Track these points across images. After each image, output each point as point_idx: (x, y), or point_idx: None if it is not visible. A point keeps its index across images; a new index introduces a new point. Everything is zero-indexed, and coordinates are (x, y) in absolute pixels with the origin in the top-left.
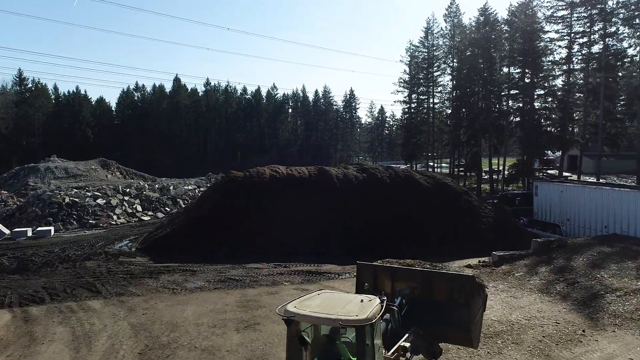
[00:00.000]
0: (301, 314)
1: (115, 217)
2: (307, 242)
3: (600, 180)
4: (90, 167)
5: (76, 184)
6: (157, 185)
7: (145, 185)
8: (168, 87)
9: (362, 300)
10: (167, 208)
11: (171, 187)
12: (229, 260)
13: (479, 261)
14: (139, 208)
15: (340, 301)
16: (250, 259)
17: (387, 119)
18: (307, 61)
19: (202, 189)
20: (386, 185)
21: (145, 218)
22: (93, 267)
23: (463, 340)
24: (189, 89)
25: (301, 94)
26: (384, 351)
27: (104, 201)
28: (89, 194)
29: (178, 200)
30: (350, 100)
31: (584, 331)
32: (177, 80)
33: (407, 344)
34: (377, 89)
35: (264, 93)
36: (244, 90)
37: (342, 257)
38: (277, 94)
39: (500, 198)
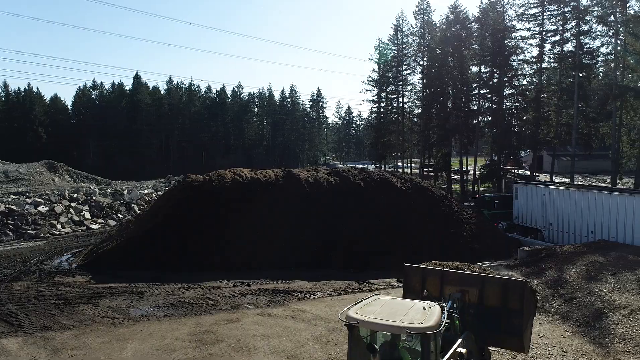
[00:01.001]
0: (366, 320)
1: (59, 226)
2: (273, 255)
3: (575, 182)
4: (34, 170)
5: (16, 189)
6: (109, 190)
7: (96, 189)
8: (128, 84)
9: (424, 308)
10: (119, 215)
11: (125, 192)
12: (184, 279)
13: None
14: (88, 215)
15: (402, 308)
16: (208, 276)
17: (355, 118)
18: (274, 59)
19: (160, 193)
20: (360, 190)
21: (95, 226)
22: (21, 290)
23: (515, 346)
24: (151, 87)
25: (267, 93)
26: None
27: (47, 208)
28: (29, 200)
29: (133, 205)
30: (318, 100)
31: None
32: (137, 77)
33: (464, 350)
34: (345, 88)
35: (229, 92)
36: (209, 88)
37: (313, 273)
38: (242, 92)
39: (477, 201)
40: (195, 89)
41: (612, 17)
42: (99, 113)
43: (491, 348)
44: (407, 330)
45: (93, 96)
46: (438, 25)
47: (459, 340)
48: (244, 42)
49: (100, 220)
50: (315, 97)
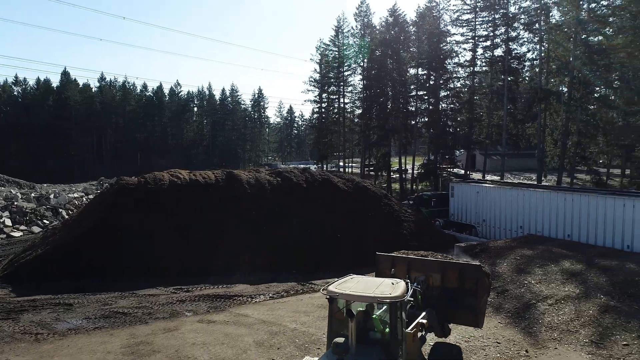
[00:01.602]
0: (344, 293)
1: None
2: (213, 259)
3: (505, 180)
4: None
5: None
6: (33, 194)
7: (18, 194)
8: (55, 81)
9: (392, 283)
10: (45, 221)
11: (52, 196)
12: (117, 287)
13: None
14: (8, 222)
15: (373, 283)
16: (144, 284)
17: (297, 118)
18: (214, 57)
19: (91, 197)
20: (303, 190)
21: (16, 234)
22: None
23: (471, 321)
24: (81, 84)
25: (207, 92)
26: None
27: None
28: None
29: (60, 211)
30: (259, 99)
31: (527, 351)
32: (65, 74)
33: (425, 321)
34: (287, 88)
35: (166, 90)
36: (145, 86)
37: (255, 275)
38: (181, 91)
39: (415, 199)
40: (130, 86)
41: (537, 25)
42: (22, 111)
43: (451, 325)
44: (378, 299)
45: (15, 93)
46: (378, 27)
47: (422, 314)
48: (182, 39)
49: (22, 227)
50: (256, 96)
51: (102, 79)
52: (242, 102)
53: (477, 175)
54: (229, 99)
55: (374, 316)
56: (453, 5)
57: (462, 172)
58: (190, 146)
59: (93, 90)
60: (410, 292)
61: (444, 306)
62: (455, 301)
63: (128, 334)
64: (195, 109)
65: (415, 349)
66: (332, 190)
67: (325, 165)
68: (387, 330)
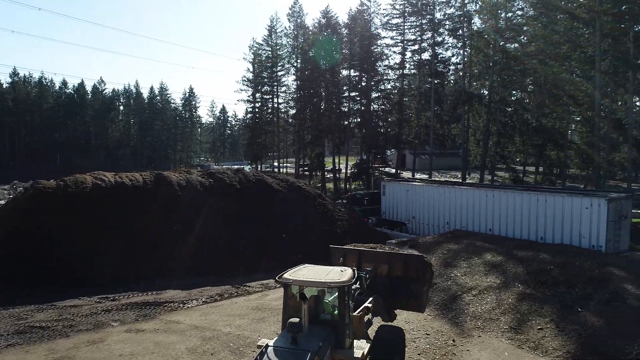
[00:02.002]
0: (297, 279)
1: None
2: (143, 265)
3: (433, 178)
4: None
5: None
6: None
7: None
8: None
9: (341, 270)
10: None
11: None
12: (35, 300)
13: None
14: None
15: (324, 270)
16: (65, 294)
17: (230, 118)
18: (141, 54)
19: (2, 203)
20: (237, 191)
21: None
22: None
23: (414, 307)
24: None
25: (134, 90)
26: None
27: None
28: None
29: None
30: (190, 99)
31: (454, 341)
32: None
33: (370, 305)
34: (219, 87)
35: (89, 87)
36: (64, 83)
37: (187, 280)
38: (105, 89)
39: (349, 198)
40: (47, 83)
41: (460, 32)
42: None
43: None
44: (328, 284)
45: None
46: (311, 28)
47: (369, 299)
48: (106, 33)
49: None
50: (187, 95)
51: (14, 74)
52: (172, 101)
53: (407, 174)
54: (158, 97)
55: (325, 301)
56: (383, 9)
57: (393, 171)
58: (116, 147)
59: (4, 86)
60: (355, 277)
61: (390, 293)
62: (400, 289)
63: (46, 349)
64: (122, 107)
65: (361, 330)
66: (266, 190)
67: (259, 166)
68: (336, 312)
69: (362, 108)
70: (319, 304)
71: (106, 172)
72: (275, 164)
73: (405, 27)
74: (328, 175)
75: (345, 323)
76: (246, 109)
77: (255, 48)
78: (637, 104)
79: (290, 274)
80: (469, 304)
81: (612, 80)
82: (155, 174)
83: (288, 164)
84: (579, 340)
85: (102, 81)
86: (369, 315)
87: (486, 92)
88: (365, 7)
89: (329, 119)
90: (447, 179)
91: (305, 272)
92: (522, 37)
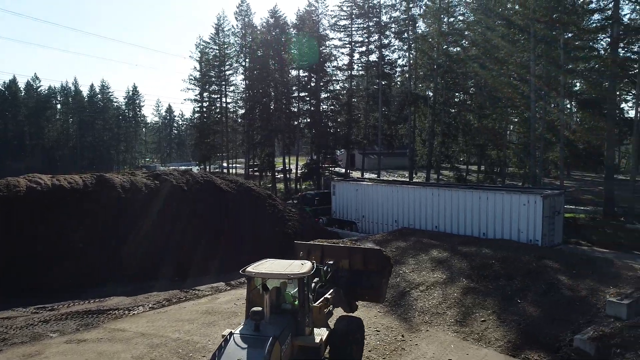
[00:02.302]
0: (260, 272)
1: None
2: (84, 272)
3: (381, 177)
4: None
5: None
6: None
7: None
8: None
9: (301, 264)
10: None
11: None
12: None
13: None
14: None
15: (285, 264)
16: None
17: (177, 118)
18: (79, 50)
19: None
20: (184, 193)
21: None
22: None
23: (374, 298)
24: None
25: (73, 88)
26: (313, 303)
27: None
28: None
29: None
30: (134, 97)
31: (403, 336)
32: None
33: (330, 297)
34: (165, 86)
35: (22, 84)
36: None
37: (133, 286)
38: (40, 86)
39: (299, 198)
40: None
41: (406, 34)
42: None
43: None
44: (288, 275)
45: None
46: (259, 27)
47: (329, 292)
48: (41, 27)
49: None
50: (131, 94)
51: None
52: (115, 100)
53: (356, 174)
54: (99, 95)
55: (286, 292)
56: (331, 10)
57: (343, 171)
58: (53, 147)
59: None
60: (315, 271)
61: (351, 285)
62: (360, 281)
63: None
64: (59, 106)
65: (321, 320)
66: (215, 192)
67: (208, 167)
68: (296, 302)
69: (312, 108)
70: (280, 294)
71: (42, 174)
72: (225, 164)
73: (353, 29)
74: (278, 176)
75: (304, 312)
76: (193, 109)
77: (202, 46)
78: (568, 106)
79: (253, 268)
80: (417, 299)
81: (545, 84)
82: (97, 175)
83: (238, 165)
84: (518, 329)
85: (37, 78)
86: (330, 307)
87: (431, 94)
88: (314, 8)
89: (278, 119)
90: (395, 179)
91: (267, 266)
92: (463, 41)
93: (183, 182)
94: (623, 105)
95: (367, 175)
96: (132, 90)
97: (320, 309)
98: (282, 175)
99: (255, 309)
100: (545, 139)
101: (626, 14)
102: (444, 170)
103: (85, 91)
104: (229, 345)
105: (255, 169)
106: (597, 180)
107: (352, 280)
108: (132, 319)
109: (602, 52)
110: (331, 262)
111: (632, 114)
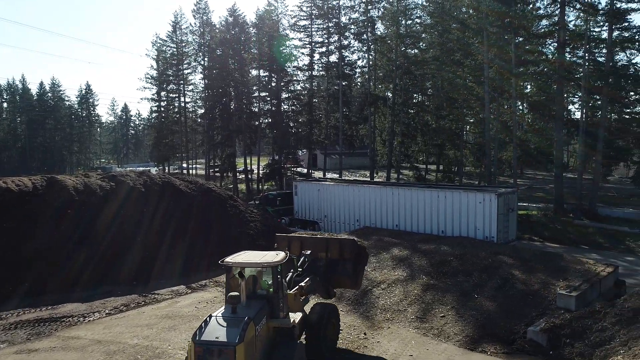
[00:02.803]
0: (237, 262)
1: None
2: (36, 278)
3: (343, 177)
4: None
5: None
6: None
7: None
8: None
9: (276, 254)
10: None
11: None
12: None
13: None
14: None
15: (260, 254)
16: None
17: (133, 117)
18: (27, 46)
19: None
20: (142, 195)
21: None
22: None
23: (350, 285)
24: None
25: (20, 86)
26: (288, 290)
27: None
28: None
29: None
30: (87, 96)
31: (365, 334)
32: None
33: (304, 285)
34: (120, 85)
35: None
36: None
37: (89, 292)
38: None
39: (261, 199)
40: None
41: (365, 36)
42: None
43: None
44: (262, 264)
45: None
46: (217, 26)
47: (305, 280)
48: None
49: None
50: (84, 92)
51: None
52: (67, 99)
53: (318, 174)
54: (49, 94)
55: (262, 280)
56: (291, 10)
57: (305, 171)
58: (0, 148)
59: None
60: (288, 261)
61: (328, 273)
62: (337, 269)
63: None
64: (5, 104)
65: (296, 306)
66: (174, 193)
67: (167, 168)
68: (271, 289)
69: (273, 108)
70: (256, 282)
71: None
72: (185, 165)
73: (313, 29)
74: (240, 177)
75: (278, 297)
76: (151, 108)
77: (159, 44)
78: (520, 108)
79: (231, 258)
80: (378, 297)
81: (498, 86)
82: (48, 178)
83: (198, 165)
84: (476, 324)
85: None
86: (306, 295)
87: (390, 95)
88: (273, 8)
89: (239, 119)
90: (357, 178)
91: (244, 256)
92: (421, 43)
93: (140, 183)
94: (570, 107)
95: (329, 175)
96: (86, 89)
97: (295, 296)
98: (243, 176)
99: (232, 293)
100: (499, 139)
101: (571, 20)
102: (404, 170)
103: (34, 89)
104: (208, 326)
105: (216, 169)
106: (548, 179)
107: (329, 269)
108: (87, 325)
109: (550, 56)
110: (308, 252)
111: (578, 115)
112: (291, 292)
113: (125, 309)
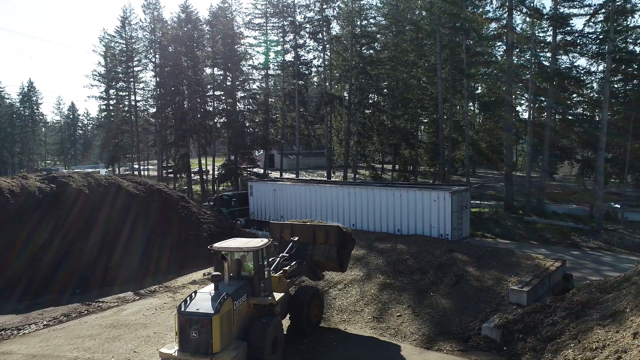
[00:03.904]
0: (222, 246)
1: None
2: None
3: (300, 177)
4: None
5: None
6: None
7: None
8: None
9: (261, 240)
10: None
11: None
12: None
13: (204, 274)
14: None
15: (246, 240)
16: None
17: (81, 117)
18: None
19: None
20: (85, 197)
21: None
22: None
23: (335, 268)
24: None
25: None
26: (273, 273)
27: None
28: None
29: None
30: (30, 94)
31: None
32: None
33: (288, 268)
34: (67, 82)
35: None
36: None
37: (24, 302)
38: None
39: (216, 200)
40: None
41: (320, 35)
42: None
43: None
44: (244, 249)
45: None
46: (169, 22)
47: (292, 264)
48: None
49: None
50: (26, 90)
51: None
52: (7, 96)
53: (275, 174)
54: None
55: (246, 263)
56: (245, 7)
57: (262, 171)
58: None
59: None
60: (270, 243)
61: (317, 258)
62: (323, 253)
63: None
64: None
65: (281, 287)
66: (122, 195)
67: (118, 169)
68: (253, 271)
69: (228, 108)
70: (241, 264)
71: None
72: (136, 166)
73: (268, 27)
74: (195, 177)
75: (259, 278)
76: (99, 107)
77: (106, 40)
78: (471, 108)
79: (221, 244)
80: (335, 298)
81: (451, 87)
82: None
83: (151, 167)
84: (432, 322)
85: None
86: (291, 278)
87: (346, 94)
88: (227, 5)
89: (193, 118)
90: (313, 178)
91: (233, 242)
92: (376, 44)
93: (84, 185)
94: (518, 108)
95: (286, 175)
96: (28, 86)
97: (280, 278)
98: (198, 177)
99: (214, 273)
100: (452, 139)
101: (519, 24)
102: (360, 170)
103: None
104: (193, 300)
105: (169, 170)
106: (499, 177)
107: (316, 253)
108: (22, 339)
109: (499, 58)
110: (295, 238)
111: (526, 115)
112: (276, 275)
113: (65, 319)
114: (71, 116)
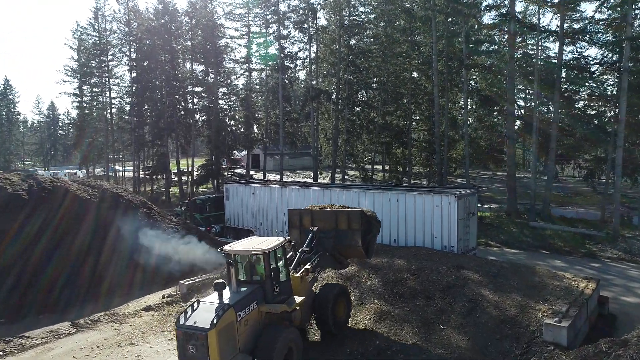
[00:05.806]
0: (231, 249)
1: None
2: None
3: (285, 178)
4: None
5: None
6: None
7: None
8: None
9: (276, 240)
10: None
11: None
12: None
13: (164, 296)
14: None
15: (258, 241)
16: None
17: (62, 116)
18: None
19: None
20: (25, 203)
21: None
22: None
23: (359, 255)
24: None
25: None
26: (292, 272)
27: None
28: None
29: None
30: (6, 92)
31: None
32: None
33: (309, 267)
34: (47, 81)
35: None
36: None
37: None
38: None
39: (188, 205)
40: None
41: (306, 25)
42: None
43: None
44: (251, 252)
45: None
46: (145, 13)
47: (313, 259)
48: None
49: None
50: (2, 88)
51: None
52: None
53: (260, 175)
54: None
55: (257, 265)
56: None
57: (245, 172)
58: None
59: None
60: (284, 243)
61: (339, 245)
62: (346, 240)
63: None
64: None
65: (304, 288)
66: (69, 200)
67: (93, 170)
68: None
69: (210, 106)
70: (253, 267)
71: None
72: (115, 167)
73: (250, 18)
74: (175, 179)
75: (271, 282)
76: (72, 104)
77: (79, 33)
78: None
79: (231, 246)
80: (317, 334)
81: (447, 80)
82: None
83: (128, 167)
84: None
85: None
86: (312, 275)
87: (334, 90)
88: None
89: (171, 116)
90: (298, 179)
91: (245, 244)
92: (365, 33)
93: (23, 189)
94: (521, 102)
95: (270, 176)
96: (4, 84)
97: (302, 279)
98: (177, 178)
99: (217, 280)
100: (449, 136)
101: (521, 12)
102: (349, 170)
103: None
104: (193, 311)
105: (147, 171)
106: (495, 178)
107: (338, 240)
108: None
109: (501, 47)
110: (315, 228)
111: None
112: (297, 275)
113: None
114: (51, 115)
